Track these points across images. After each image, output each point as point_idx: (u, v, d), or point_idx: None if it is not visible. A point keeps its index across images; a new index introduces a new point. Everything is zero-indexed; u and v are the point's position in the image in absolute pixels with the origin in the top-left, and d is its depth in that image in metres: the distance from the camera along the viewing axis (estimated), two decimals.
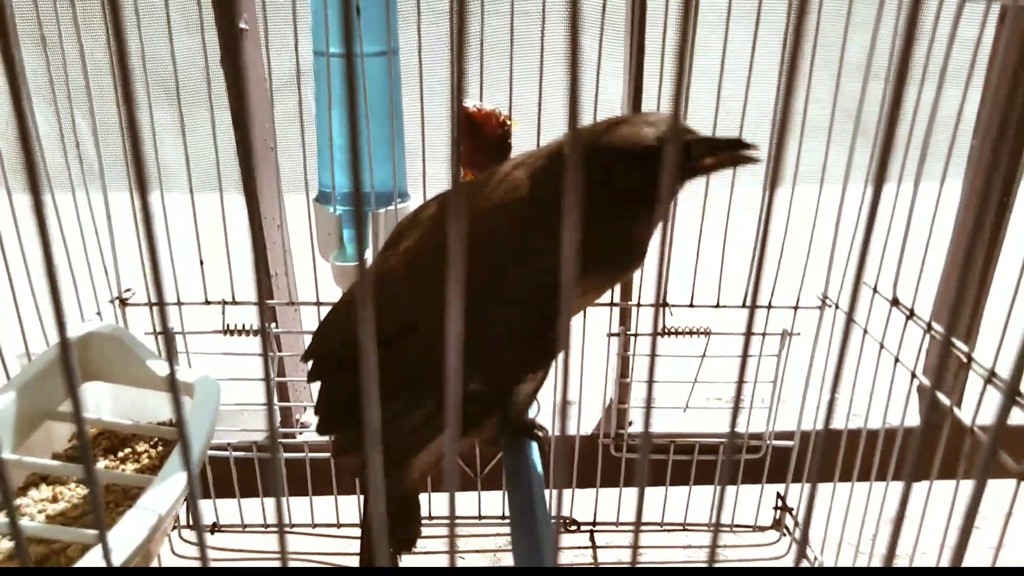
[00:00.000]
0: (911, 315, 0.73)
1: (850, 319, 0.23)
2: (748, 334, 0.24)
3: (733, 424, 0.26)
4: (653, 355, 0.25)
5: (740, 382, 0.26)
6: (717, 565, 1.05)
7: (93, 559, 0.51)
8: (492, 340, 0.41)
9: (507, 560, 1.07)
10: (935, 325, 0.69)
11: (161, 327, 0.22)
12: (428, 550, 1.05)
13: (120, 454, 0.72)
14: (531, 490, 0.54)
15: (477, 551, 1.10)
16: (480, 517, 1.05)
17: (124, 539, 0.51)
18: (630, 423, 1.02)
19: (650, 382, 0.24)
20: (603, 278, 0.48)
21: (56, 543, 0.59)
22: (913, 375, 0.72)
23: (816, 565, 0.95)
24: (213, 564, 1.00)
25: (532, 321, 0.41)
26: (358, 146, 0.21)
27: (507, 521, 1.06)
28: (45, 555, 0.59)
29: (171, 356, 0.23)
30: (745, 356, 0.24)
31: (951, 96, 0.72)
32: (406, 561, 1.04)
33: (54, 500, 0.65)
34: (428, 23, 0.81)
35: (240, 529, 1.03)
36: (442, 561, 1.05)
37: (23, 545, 0.26)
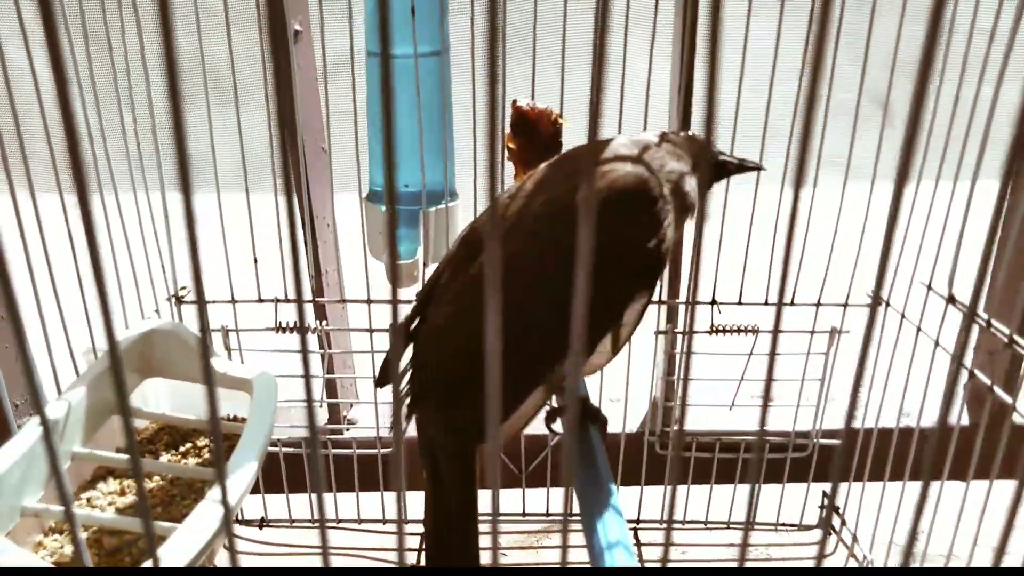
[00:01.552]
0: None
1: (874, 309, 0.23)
2: (776, 331, 0.24)
3: (762, 422, 0.26)
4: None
5: (769, 380, 0.26)
6: (758, 565, 1.04)
7: (166, 551, 0.52)
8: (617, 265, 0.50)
9: (547, 556, 1.07)
10: (996, 323, 0.69)
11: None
12: None
13: (181, 448, 0.73)
14: (600, 474, 0.55)
15: (520, 547, 1.10)
16: (524, 514, 1.05)
17: (200, 531, 0.52)
18: (676, 421, 1.02)
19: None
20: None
21: (128, 534, 0.60)
22: (971, 374, 0.71)
23: (865, 565, 0.94)
24: (262, 560, 1.02)
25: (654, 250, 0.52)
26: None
27: (550, 518, 1.07)
28: (117, 546, 0.60)
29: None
30: (773, 354, 0.24)
31: (1011, 91, 0.71)
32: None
33: (122, 493, 0.66)
34: (480, 18, 0.82)
35: (288, 524, 1.04)
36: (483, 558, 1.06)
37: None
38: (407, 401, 0.58)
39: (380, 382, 0.61)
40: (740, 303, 0.90)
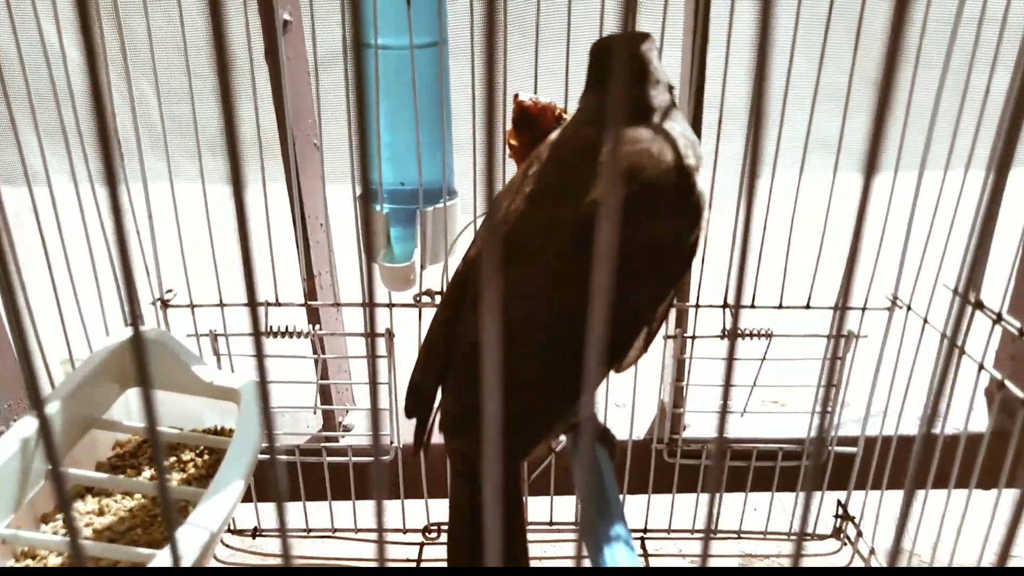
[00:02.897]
0: (998, 319, 0.68)
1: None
2: (837, 336, 0.21)
3: (822, 427, 0.23)
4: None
5: (829, 386, 0.23)
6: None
7: None
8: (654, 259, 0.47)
9: (547, 566, 1.03)
10: None
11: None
12: None
13: (165, 463, 0.69)
14: (608, 497, 0.51)
15: None
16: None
17: (180, 561, 0.48)
18: (684, 428, 0.98)
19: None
20: None
21: (104, 560, 0.56)
22: (1002, 385, 0.67)
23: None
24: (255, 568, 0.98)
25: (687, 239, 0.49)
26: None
27: (552, 527, 1.03)
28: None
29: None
30: (835, 359, 0.21)
31: None
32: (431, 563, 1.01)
33: (100, 513, 0.62)
34: (479, 10, 0.78)
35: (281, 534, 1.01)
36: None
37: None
38: (444, 424, 0.53)
39: (410, 412, 0.56)
40: (753, 306, 0.86)
